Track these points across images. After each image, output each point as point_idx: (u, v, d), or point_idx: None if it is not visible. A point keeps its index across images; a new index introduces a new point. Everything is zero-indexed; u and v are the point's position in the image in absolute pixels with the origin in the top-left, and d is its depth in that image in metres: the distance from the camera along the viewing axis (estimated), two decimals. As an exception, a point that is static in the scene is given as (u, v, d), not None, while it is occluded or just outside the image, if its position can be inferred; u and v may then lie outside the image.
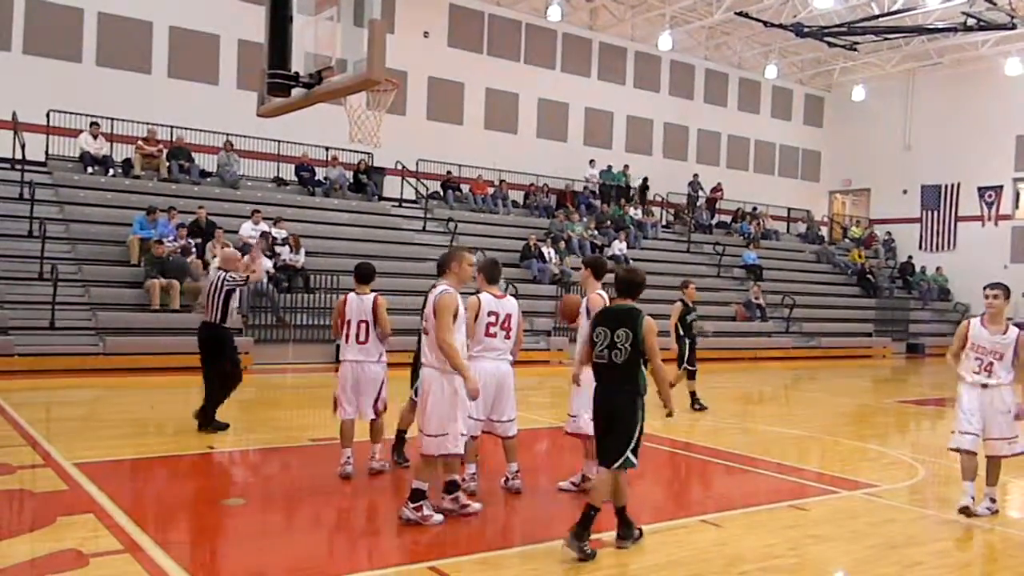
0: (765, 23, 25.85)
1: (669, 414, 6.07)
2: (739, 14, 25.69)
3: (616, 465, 5.49)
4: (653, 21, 27.75)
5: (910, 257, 31.33)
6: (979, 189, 30.04)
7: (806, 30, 25.70)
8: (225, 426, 9.23)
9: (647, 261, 24.13)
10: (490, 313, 6.63)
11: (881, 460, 9.51)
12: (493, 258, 7.45)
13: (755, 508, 6.65)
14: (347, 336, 7.31)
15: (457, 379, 5.94)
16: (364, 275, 7.51)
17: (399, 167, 22.96)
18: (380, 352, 7.39)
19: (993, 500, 6.66)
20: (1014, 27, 24.49)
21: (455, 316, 5.92)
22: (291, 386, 14.65)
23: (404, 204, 23.00)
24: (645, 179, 28.12)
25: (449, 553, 5.42)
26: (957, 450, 6.71)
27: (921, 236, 31.81)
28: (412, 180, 23.32)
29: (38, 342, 14.12)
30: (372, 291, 7.45)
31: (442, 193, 23.95)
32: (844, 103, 33.25)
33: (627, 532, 5.66)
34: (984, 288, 6.80)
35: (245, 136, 20.47)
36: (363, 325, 7.28)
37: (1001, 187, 29.57)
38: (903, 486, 7.99)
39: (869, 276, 29.08)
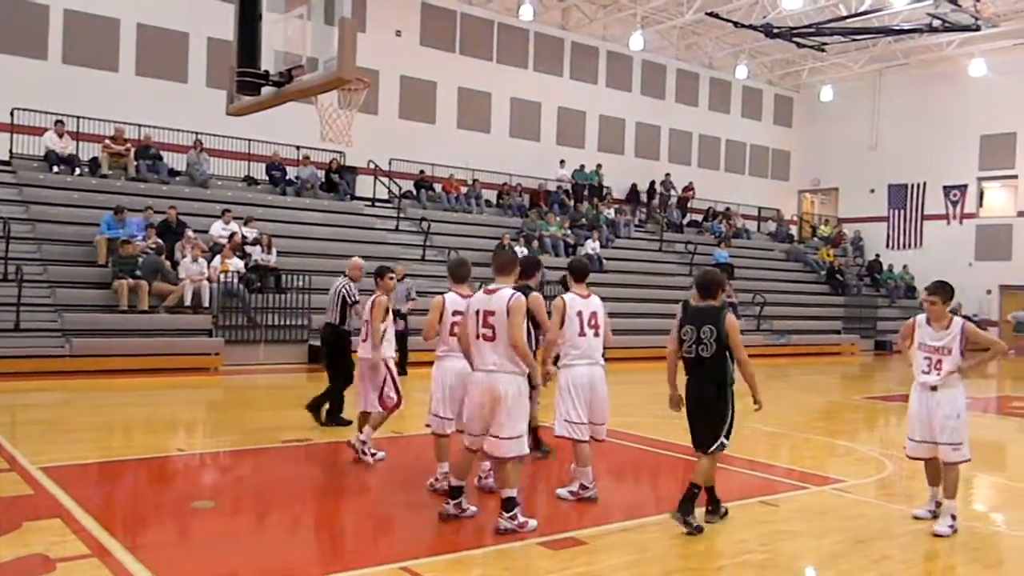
0: (735, 23, 26.05)
1: (758, 406, 6.23)
2: (710, 14, 25.87)
3: (712, 449, 6.07)
4: (625, 21, 27.86)
5: (878, 255, 31.74)
6: (944, 188, 30.49)
7: (775, 31, 25.93)
8: (349, 422, 9.29)
9: (620, 260, 24.30)
10: (455, 312, 6.62)
11: (850, 456, 9.63)
12: (461, 258, 7.46)
13: (727, 504, 6.69)
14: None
15: (524, 380, 5.89)
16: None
17: (371, 166, 22.87)
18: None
19: (954, 517, 6.26)
20: (978, 28, 24.88)
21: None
22: (263, 387, 14.54)
23: (377, 204, 22.91)
24: (652, 182, 29.26)
25: (421, 553, 5.41)
26: (912, 458, 6.71)
27: (888, 235, 32.23)
28: (385, 179, 23.24)
29: (3, 344, 13.86)
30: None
31: (415, 192, 23.88)
32: (813, 103, 33.61)
33: (716, 508, 6.27)
34: (924, 289, 6.71)
35: (215, 135, 20.28)
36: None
37: (966, 186, 30.04)
38: (871, 481, 8.09)
39: (838, 274, 29.41)
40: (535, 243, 22.64)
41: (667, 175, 29.52)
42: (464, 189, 24.73)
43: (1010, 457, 11.06)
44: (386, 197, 23.14)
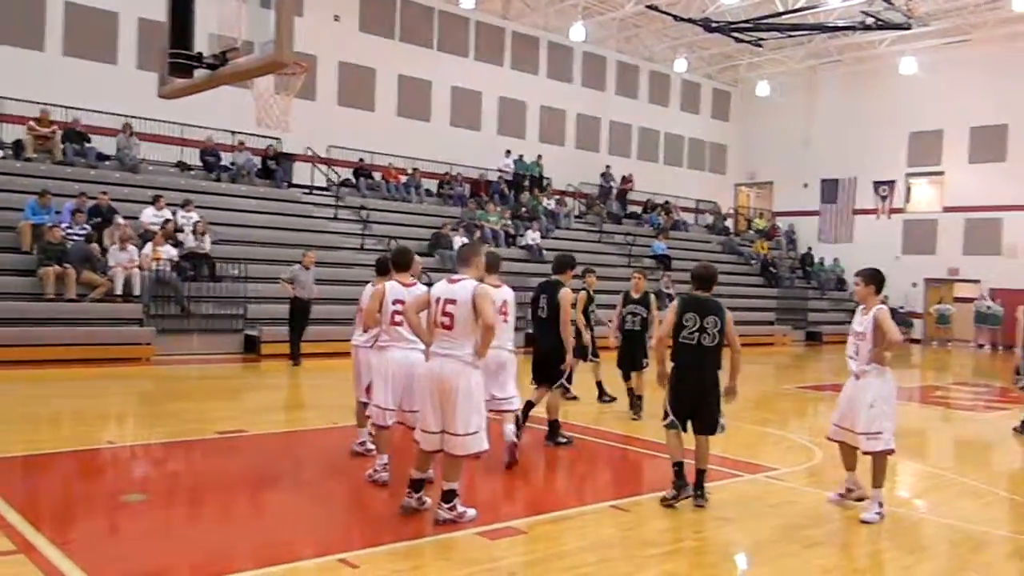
0: (675, 17, 26.33)
1: (731, 394, 6.63)
2: (650, 7, 26.09)
3: (716, 432, 6.54)
4: (566, 12, 27.93)
5: (810, 248, 32.51)
6: (874, 183, 31.33)
7: (714, 25, 26.26)
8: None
9: (560, 251, 24.37)
10: (395, 301, 6.58)
11: (782, 444, 9.86)
12: (403, 246, 7.43)
13: (662, 493, 6.78)
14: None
15: (479, 373, 5.82)
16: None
17: (309, 153, 22.53)
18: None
19: (881, 505, 6.42)
20: (910, 27, 25.57)
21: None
22: (196, 377, 14.24)
23: (315, 191, 22.58)
24: (624, 177, 29.70)
25: (359, 545, 5.37)
26: (829, 439, 6.94)
27: (820, 228, 33.00)
28: (323, 167, 22.92)
29: (-79, 333, 13.33)
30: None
31: (354, 181, 23.61)
32: (750, 98, 34.19)
33: (703, 491, 6.56)
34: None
35: (145, 118, 19.69)
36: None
37: (894, 182, 30.91)
38: (802, 468, 8.30)
39: (771, 267, 30.04)
40: (475, 233, 22.60)
41: (607, 167, 29.73)
42: (404, 178, 24.53)
43: (933, 445, 11.45)
44: (324, 185, 22.83)
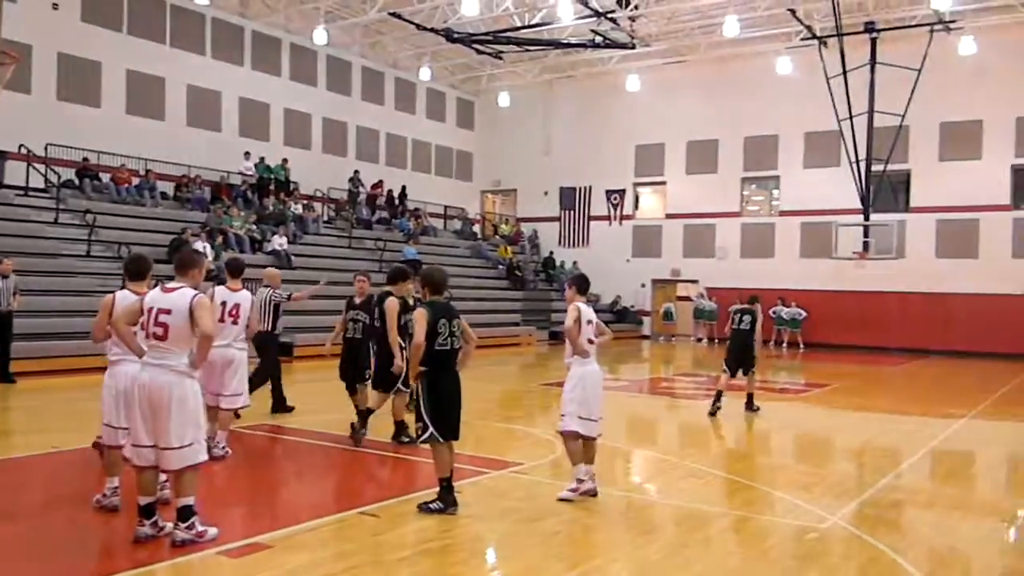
0: (417, 26, 26.67)
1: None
2: (393, 15, 26.25)
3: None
4: (308, 14, 27.40)
5: (551, 252, 34.27)
6: (607, 192, 33.60)
7: (455, 36, 26.93)
8: (291, 408, 11.15)
9: (309, 256, 23.90)
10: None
11: (526, 440, 10.32)
12: (138, 253, 6.98)
13: (411, 495, 6.87)
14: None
15: (194, 383, 5.64)
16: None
17: (23, 151, 20.39)
18: None
19: (579, 481, 7.00)
20: (634, 47, 27.67)
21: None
22: None
23: (31, 193, 20.44)
24: (403, 187, 30.17)
25: (90, 575, 4.97)
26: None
27: (560, 233, 34.87)
28: (40, 166, 20.84)
29: None
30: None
31: (77, 182, 21.65)
32: (492, 108, 35.40)
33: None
34: None
35: None
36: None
37: (624, 190, 33.35)
38: (545, 462, 8.73)
39: (516, 270, 31.32)
40: (219, 238, 21.56)
41: (356, 172, 29.53)
42: (136, 180, 22.87)
43: (660, 432, 12.51)
44: (42, 186, 20.78)
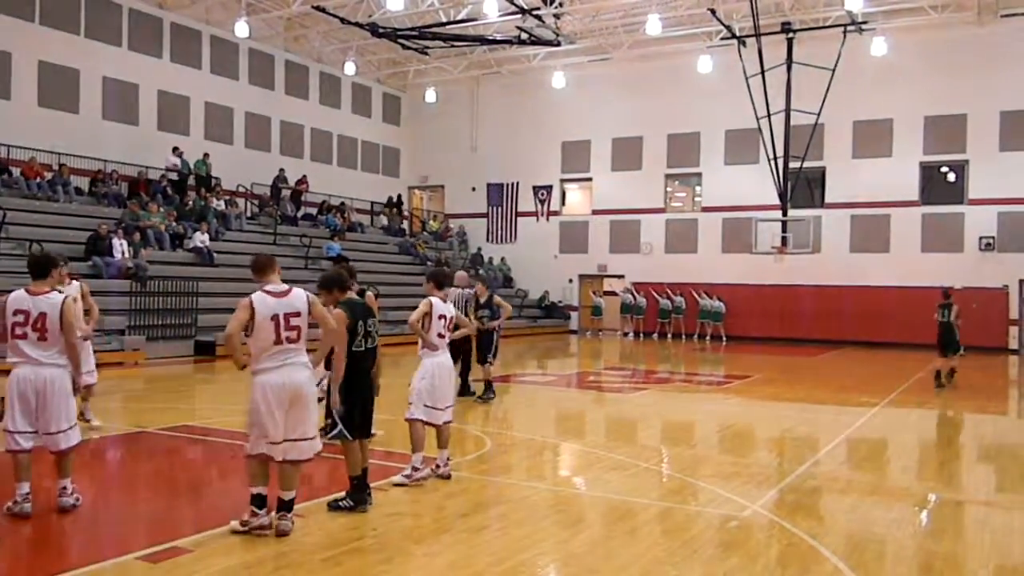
0: (342, 20, 26.36)
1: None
2: (316, 8, 25.88)
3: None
4: (228, 6, 26.80)
5: (480, 248, 34.29)
6: (534, 188, 33.78)
7: (380, 30, 26.70)
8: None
9: (232, 253, 23.39)
10: (17, 312, 6.06)
11: (456, 436, 10.29)
12: (43, 252, 6.79)
13: (336, 495, 6.81)
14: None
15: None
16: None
17: (-75, 146, 19.51)
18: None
19: (415, 469, 7.37)
20: (559, 44, 27.83)
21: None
22: None
23: (-67, 190, 19.59)
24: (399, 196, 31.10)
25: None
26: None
27: (488, 229, 34.92)
28: (-57, 162, 19.97)
29: None
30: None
31: (-16, 178, 20.81)
32: (419, 104, 35.19)
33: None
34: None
35: None
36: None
37: (551, 187, 33.57)
38: (472, 458, 8.76)
39: (445, 266, 31.17)
40: (136, 235, 20.94)
41: (281, 169, 29.02)
42: (49, 175, 22.07)
43: (587, 425, 12.65)
44: (-54, 182, 19.90)
